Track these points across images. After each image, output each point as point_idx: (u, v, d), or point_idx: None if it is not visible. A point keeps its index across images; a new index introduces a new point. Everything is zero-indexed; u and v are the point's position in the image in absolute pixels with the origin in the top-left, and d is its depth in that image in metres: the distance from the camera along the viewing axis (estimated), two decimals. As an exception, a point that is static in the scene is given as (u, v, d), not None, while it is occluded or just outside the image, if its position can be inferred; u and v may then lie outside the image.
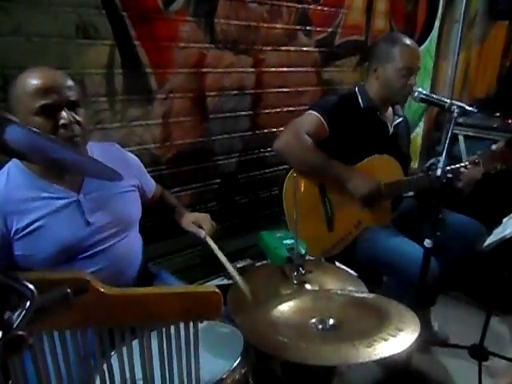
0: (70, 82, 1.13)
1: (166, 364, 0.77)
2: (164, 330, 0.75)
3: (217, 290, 0.73)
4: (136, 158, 1.43)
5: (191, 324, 0.75)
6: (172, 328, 0.75)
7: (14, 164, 1.14)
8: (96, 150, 1.26)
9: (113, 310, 0.68)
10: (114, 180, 0.91)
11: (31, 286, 0.50)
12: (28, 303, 0.49)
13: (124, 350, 0.76)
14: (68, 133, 1.09)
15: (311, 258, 1.63)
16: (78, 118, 1.11)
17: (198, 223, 1.41)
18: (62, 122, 1.08)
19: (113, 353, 0.78)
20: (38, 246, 1.10)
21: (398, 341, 0.76)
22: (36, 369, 0.68)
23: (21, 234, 1.09)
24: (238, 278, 1.21)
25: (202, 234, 1.38)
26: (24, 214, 1.10)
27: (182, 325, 0.75)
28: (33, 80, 1.06)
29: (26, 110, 1.06)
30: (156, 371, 0.79)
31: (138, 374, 0.77)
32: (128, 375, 0.75)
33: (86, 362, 0.73)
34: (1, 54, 1.40)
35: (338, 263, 1.87)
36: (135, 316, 0.70)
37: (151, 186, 1.48)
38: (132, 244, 1.31)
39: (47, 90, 1.06)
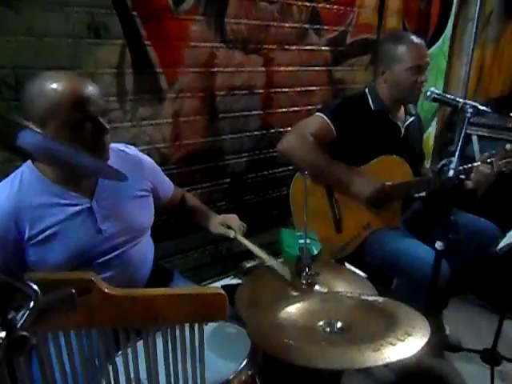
0: (99, 90, 1.11)
1: (171, 365, 0.77)
2: (169, 331, 0.75)
3: (222, 292, 0.72)
4: (152, 161, 1.39)
5: (196, 326, 0.74)
6: (177, 329, 0.74)
7: (27, 168, 1.12)
8: (110, 151, 1.25)
9: (117, 310, 0.68)
10: (119, 180, 0.90)
11: (35, 287, 0.50)
12: (31, 303, 0.49)
13: (129, 351, 0.76)
14: (104, 142, 1.11)
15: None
16: (107, 126, 1.10)
17: (226, 224, 1.39)
18: (101, 133, 1.08)
19: (118, 354, 0.78)
20: (50, 252, 1.10)
21: (406, 346, 0.74)
22: (41, 369, 0.68)
23: (34, 241, 1.09)
24: (277, 265, 1.24)
25: (232, 233, 1.36)
26: (37, 221, 1.08)
27: (187, 326, 0.75)
28: (70, 91, 1.03)
29: (63, 122, 1.03)
30: (161, 373, 0.78)
31: (143, 375, 0.77)
32: (133, 376, 0.75)
33: (90, 362, 0.73)
34: (13, 54, 1.42)
35: (347, 264, 1.85)
36: (140, 317, 0.70)
37: (168, 189, 1.44)
38: (143, 249, 1.30)
39: (86, 101, 1.05)
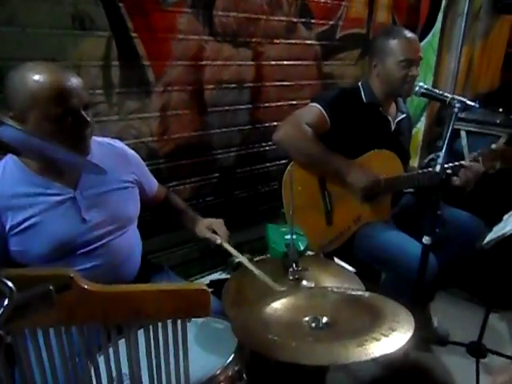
0: (81, 82, 1.11)
1: (154, 362, 0.76)
2: (151, 328, 0.74)
3: (205, 288, 0.72)
4: (137, 156, 1.40)
5: (179, 322, 0.74)
6: (159, 326, 0.73)
7: (10, 159, 1.13)
8: (95, 144, 1.24)
9: (97, 307, 0.67)
10: (99, 174, 0.90)
11: (10, 283, 0.48)
12: (6, 301, 0.48)
13: (111, 348, 0.75)
14: (85, 136, 1.11)
15: (310, 253, 1.63)
16: (89, 119, 1.10)
17: (211, 229, 1.39)
18: (82, 127, 1.08)
19: (99, 352, 0.77)
20: (33, 242, 1.09)
21: (390, 341, 0.74)
22: (19, 368, 0.67)
23: (16, 230, 1.08)
24: (263, 276, 1.19)
25: (218, 240, 1.35)
26: (20, 210, 1.08)
27: (169, 323, 0.74)
28: (51, 83, 1.03)
29: (43, 116, 1.03)
30: (144, 370, 0.78)
31: (125, 373, 0.76)
32: (115, 374, 0.74)
33: (71, 360, 0.72)
34: (-6, 46, 1.39)
35: (336, 259, 1.86)
36: (121, 313, 0.69)
37: (153, 185, 1.45)
38: (130, 240, 1.29)
39: (68, 94, 1.04)
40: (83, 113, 1.08)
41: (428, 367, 1.85)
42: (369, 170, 1.71)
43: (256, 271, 1.21)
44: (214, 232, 1.38)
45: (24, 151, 1.04)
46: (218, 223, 1.40)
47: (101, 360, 0.77)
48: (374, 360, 0.72)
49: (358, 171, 1.70)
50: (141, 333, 0.75)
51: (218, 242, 1.35)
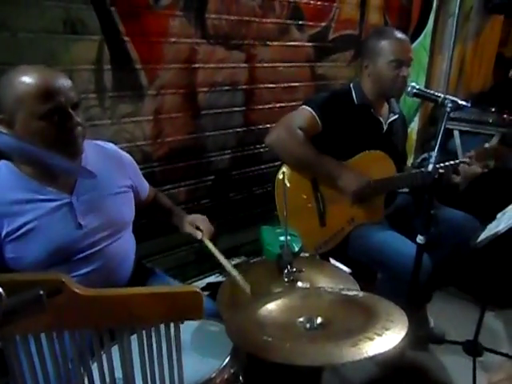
0: (70, 83, 1.10)
1: (147, 366, 0.76)
2: (144, 331, 0.73)
3: (197, 290, 0.71)
4: (132, 159, 1.40)
5: (172, 325, 0.73)
6: (152, 329, 0.73)
7: (5, 165, 1.12)
8: (90, 148, 1.24)
9: (89, 311, 0.66)
10: (88, 178, 0.89)
11: (-1, 289, 0.48)
12: (-5, 306, 0.47)
13: (103, 353, 0.74)
14: (75, 135, 1.09)
15: (305, 254, 1.63)
16: (78, 119, 1.09)
17: (194, 224, 1.39)
18: (70, 125, 1.07)
19: (92, 357, 0.77)
20: (29, 248, 1.09)
21: (383, 340, 0.74)
22: (11, 375, 0.66)
23: (12, 237, 1.08)
24: (237, 276, 1.19)
25: (199, 235, 1.35)
26: (15, 217, 1.07)
27: (162, 326, 0.74)
28: (37, 82, 1.02)
29: (30, 114, 1.03)
30: (137, 374, 0.77)
31: (119, 377, 0.76)
32: (108, 380, 0.74)
33: (64, 366, 0.72)
34: (-15, 51, 1.38)
35: (332, 259, 1.86)
36: (113, 317, 0.69)
37: (145, 188, 1.45)
38: (125, 245, 1.29)
39: (54, 92, 1.04)
40: (71, 111, 1.07)
41: (425, 366, 1.85)
42: (360, 173, 1.72)
43: (232, 272, 1.22)
44: (198, 228, 1.38)
45: (15, 156, 1.04)
46: (200, 219, 1.40)
47: (94, 365, 0.76)
48: (371, 359, 0.72)
49: (349, 174, 1.70)
50: (134, 337, 0.75)
51: (199, 237, 1.35)
